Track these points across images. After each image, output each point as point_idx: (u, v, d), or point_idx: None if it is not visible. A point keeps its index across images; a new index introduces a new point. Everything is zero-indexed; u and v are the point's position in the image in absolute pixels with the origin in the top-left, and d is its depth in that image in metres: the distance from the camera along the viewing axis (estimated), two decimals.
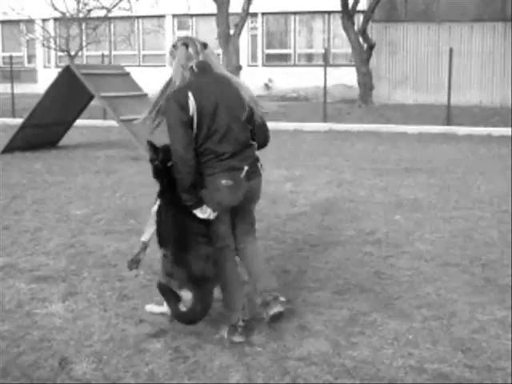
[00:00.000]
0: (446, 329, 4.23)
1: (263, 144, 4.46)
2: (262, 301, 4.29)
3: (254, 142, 4.31)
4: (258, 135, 4.36)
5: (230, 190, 4.10)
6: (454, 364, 3.75)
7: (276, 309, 4.20)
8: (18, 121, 14.38)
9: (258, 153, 4.32)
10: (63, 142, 13.70)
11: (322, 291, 4.92)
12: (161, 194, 4.24)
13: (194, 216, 4.08)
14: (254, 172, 4.21)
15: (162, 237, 4.19)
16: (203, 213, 4.08)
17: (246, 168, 4.13)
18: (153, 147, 4.16)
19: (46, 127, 12.90)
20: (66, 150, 13.03)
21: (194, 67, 4.11)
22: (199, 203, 4.07)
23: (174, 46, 4.18)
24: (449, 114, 17.46)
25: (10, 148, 12.39)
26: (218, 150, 4.06)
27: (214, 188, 4.09)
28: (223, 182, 4.07)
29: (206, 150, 4.05)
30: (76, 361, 3.79)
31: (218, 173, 4.07)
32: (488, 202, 8.06)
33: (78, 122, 14.32)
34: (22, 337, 4.11)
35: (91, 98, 12.87)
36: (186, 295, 4.03)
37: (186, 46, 4.15)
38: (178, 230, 4.10)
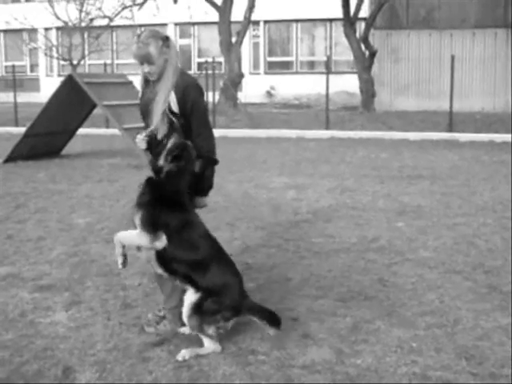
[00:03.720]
0: (449, 336, 4.22)
1: None
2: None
3: None
4: None
5: None
6: (457, 371, 3.74)
7: (161, 328, 4.32)
8: (21, 130, 14.40)
9: None
10: (66, 150, 13.74)
11: (325, 299, 4.92)
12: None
13: None
14: None
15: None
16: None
17: None
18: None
19: (48, 136, 12.93)
20: (69, 158, 13.06)
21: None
22: None
23: (164, 40, 4.19)
24: (451, 121, 17.48)
25: (13, 157, 12.42)
26: None
27: None
28: None
29: None
30: (80, 370, 3.79)
31: None
32: (491, 209, 8.05)
33: (81, 130, 14.37)
34: (26, 346, 4.11)
35: (94, 106, 12.92)
36: None
37: None
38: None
